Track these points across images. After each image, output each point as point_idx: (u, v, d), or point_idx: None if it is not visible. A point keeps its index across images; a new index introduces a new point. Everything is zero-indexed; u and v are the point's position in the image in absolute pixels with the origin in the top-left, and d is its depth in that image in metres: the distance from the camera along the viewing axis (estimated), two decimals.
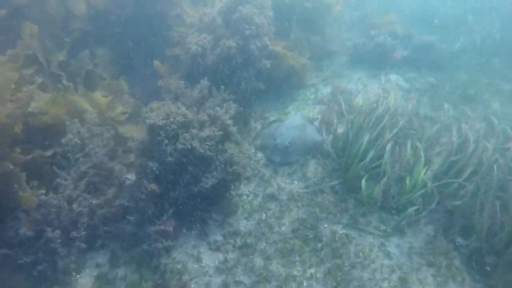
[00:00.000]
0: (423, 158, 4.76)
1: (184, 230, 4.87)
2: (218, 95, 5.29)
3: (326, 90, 7.17)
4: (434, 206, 4.59)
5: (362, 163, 4.95)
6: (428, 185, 4.61)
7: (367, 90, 7.04)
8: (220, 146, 4.79)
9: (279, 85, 7.10)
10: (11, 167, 4.19)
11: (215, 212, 4.99)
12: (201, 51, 5.74)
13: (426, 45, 7.63)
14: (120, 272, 4.41)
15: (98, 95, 5.46)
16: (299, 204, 5.03)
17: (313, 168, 5.46)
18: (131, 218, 4.58)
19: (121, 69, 6.86)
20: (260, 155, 5.83)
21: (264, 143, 5.88)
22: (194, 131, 4.62)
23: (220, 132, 4.77)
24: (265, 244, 4.65)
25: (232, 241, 4.76)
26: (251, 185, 5.43)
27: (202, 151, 4.48)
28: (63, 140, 4.53)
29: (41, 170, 4.65)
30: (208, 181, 4.51)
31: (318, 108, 6.70)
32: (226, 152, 4.74)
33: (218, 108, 4.96)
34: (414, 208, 4.47)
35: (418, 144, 5.04)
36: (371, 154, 4.96)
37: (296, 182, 5.34)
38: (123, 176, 5.08)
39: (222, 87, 5.33)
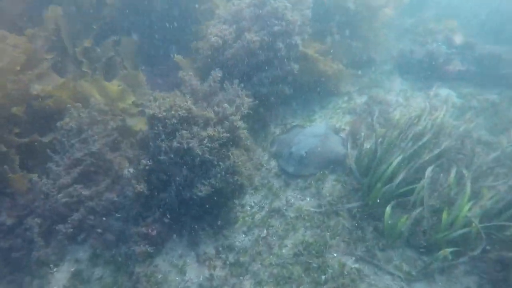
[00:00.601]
0: (468, 190, 3.79)
1: (175, 236, 4.38)
2: (230, 89, 4.76)
3: (361, 100, 6.35)
4: (479, 252, 3.60)
5: (388, 186, 4.10)
6: (473, 224, 3.64)
7: (409, 104, 6.10)
8: (224, 150, 4.23)
9: (309, 90, 6.44)
10: (4, 149, 4.03)
11: (211, 220, 4.43)
12: (221, 43, 5.29)
13: (491, 57, 6.47)
14: (97, 272, 4.02)
15: (109, 83, 5.23)
16: (308, 224, 4.29)
17: (330, 185, 4.69)
18: (118, 215, 4.19)
19: (146, 61, 6.67)
20: (273, 163, 5.19)
21: (280, 150, 5.24)
22: (196, 129, 4.12)
23: (226, 134, 4.21)
24: (259, 265, 3.99)
25: (224, 256, 4.16)
26: (258, 196, 4.80)
27: (200, 153, 3.96)
28: (58, 123, 4.30)
29: (37, 155, 4.46)
30: (203, 189, 3.96)
31: (349, 118, 5.91)
32: (229, 158, 4.15)
33: (227, 105, 4.43)
34: (450, 250, 3.53)
35: (465, 172, 4.07)
36: (401, 176, 4.09)
37: (308, 199, 4.61)
38: (124, 170, 4.74)
39: (236, 80, 4.79)
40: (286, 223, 4.36)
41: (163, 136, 4.00)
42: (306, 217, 4.37)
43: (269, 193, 4.76)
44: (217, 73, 4.74)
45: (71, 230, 4.00)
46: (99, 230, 4.17)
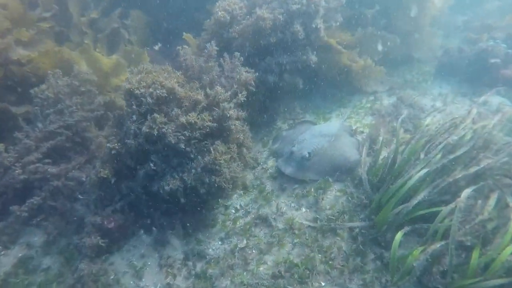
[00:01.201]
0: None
1: (142, 232, 3.80)
2: (229, 63, 4.08)
3: (389, 101, 5.38)
4: None
5: (404, 206, 3.20)
6: None
7: (449, 111, 5.03)
8: (207, 142, 3.54)
9: (329, 85, 5.59)
10: None
11: (185, 218, 3.79)
12: (229, 19, 4.63)
13: None
14: (46, 261, 3.53)
15: (102, 56, 4.77)
16: (296, 240, 3.50)
17: (333, 196, 3.85)
18: (82, 198, 3.69)
19: (156, 38, 6.18)
20: (271, 162, 4.43)
21: (282, 148, 4.47)
22: (176, 112, 3.48)
23: (211, 124, 3.52)
24: (228, 282, 3.28)
25: (190, 263, 3.50)
26: (246, 198, 4.08)
27: (173, 142, 3.31)
28: (32, 91, 3.88)
29: (9, 124, 4.09)
30: (170, 183, 3.33)
31: (371, 120, 4.98)
32: (210, 153, 3.45)
33: (220, 88, 3.75)
34: None
35: (510, 201, 3.06)
36: (422, 195, 3.17)
37: (304, 209, 3.81)
38: (102, 149, 4.25)
39: (237, 53, 4.09)
40: (271, 235, 3.60)
41: (134, 117, 3.42)
42: (296, 231, 3.58)
43: (259, 197, 4.02)
44: (213, 46, 4.08)
45: (26, 214, 3.54)
46: (58, 214, 3.69)
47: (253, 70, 4.11)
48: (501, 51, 5.43)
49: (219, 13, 4.59)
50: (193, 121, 3.43)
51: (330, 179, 3.94)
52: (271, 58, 4.74)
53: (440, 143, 3.43)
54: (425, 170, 3.26)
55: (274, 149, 4.58)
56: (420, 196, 3.18)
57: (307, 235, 3.52)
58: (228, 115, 3.62)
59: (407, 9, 6.19)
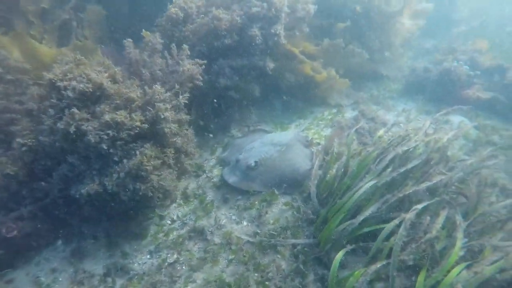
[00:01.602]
0: (459, 245, 2.53)
1: (60, 243, 3.32)
2: (175, 56, 3.76)
3: (352, 115, 5.18)
4: None
5: (349, 222, 2.89)
6: None
7: (410, 128, 4.85)
8: (135, 145, 3.15)
9: (291, 94, 5.36)
10: None
11: (112, 228, 3.35)
12: (182, 17, 4.36)
13: None
14: None
15: (40, 44, 4.38)
16: (232, 257, 3.11)
17: (278, 209, 3.51)
18: None
19: (112, 34, 5.83)
20: (217, 171, 4.07)
21: (230, 155, 4.14)
22: (101, 109, 3.08)
23: (141, 124, 3.14)
24: None
25: (110, 280, 3.04)
26: (185, 209, 3.69)
27: (93, 141, 2.92)
28: None
29: None
30: (85, 188, 2.91)
31: (330, 132, 4.74)
32: (135, 157, 3.06)
33: (160, 86, 3.41)
34: None
35: (458, 219, 2.80)
36: (370, 211, 2.88)
37: (244, 223, 3.44)
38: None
39: (185, 45, 3.77)
40: (205, 251, 3.20)
41: (52, 112, 3.02)
42: (233, 247, 3.20)
43: (199, 207, 3.64)
44: (157, 38, 3.78)
45: None
46: None
47: (201, 62, 3.79)
48: (463, 72, 5.38)
49: (172, 9, 4.32)
50: (119, 120, 3.05)
51: (277, 191, 3.61)
52: (224, 61, 4.46)
53: (390, 155, 3.18)
54: (371, 183, 2.99)
55: (222, 157, 4.24)
56: (367, 212, 2.89)
57: (244, 251, 3.14)
58: (163, 117, 3.25)
59: (378, 28, 6.13)
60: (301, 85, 5.29)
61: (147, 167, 3.04)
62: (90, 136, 2.91)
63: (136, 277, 3.07)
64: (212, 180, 3.93)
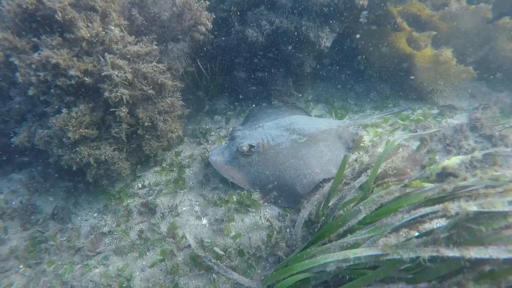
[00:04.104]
0: None
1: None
2: None
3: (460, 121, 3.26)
4: None
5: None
6: None
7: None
8: (70, 99, 2.46)
9: (380, 77, 3.76)
10: None
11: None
12: None
13: None
14: None
15: None
16: (159, 258, 2.32)
17: (250, 222, 2.43)
18: None
19: None
20: (218, 145, 3.19)
21: (240, 130, 3.15)
22: (43, 40, 2.40)
23: (82, 75, 2.32)
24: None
25: (50, 224, 2.73)
26: (161, 177, 3.01)
27: (21, 81, 2.36)
28: None
29: None
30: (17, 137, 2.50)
31: (401, 138, 3.08)
32: (60, 115, 2.35)
33: (119, 29, 2.53)
34: None
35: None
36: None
37: (204, 221, 2.53)
38: None
39: None
40: (141, 237, 2.50)
41: None
42: (168, 246, 2.38)
43: (172, 181, 2.90)
44: None
45: None
46: None
47: None
48: None
49: None
50: (54, 61, 2.31)
51: (259, 196, 2.50)
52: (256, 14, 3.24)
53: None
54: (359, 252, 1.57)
55: (232, 130, 3.28)
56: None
57: (173, 260, 2.29)
58: (106, 73, 2.36)
59: None
60: (395, 65, 3.62)
61: (72, 134, 2.37)
62: (19, 74, 2.39)
63: (68, 231, 2.66)
64: (206, 155, 3.08)
